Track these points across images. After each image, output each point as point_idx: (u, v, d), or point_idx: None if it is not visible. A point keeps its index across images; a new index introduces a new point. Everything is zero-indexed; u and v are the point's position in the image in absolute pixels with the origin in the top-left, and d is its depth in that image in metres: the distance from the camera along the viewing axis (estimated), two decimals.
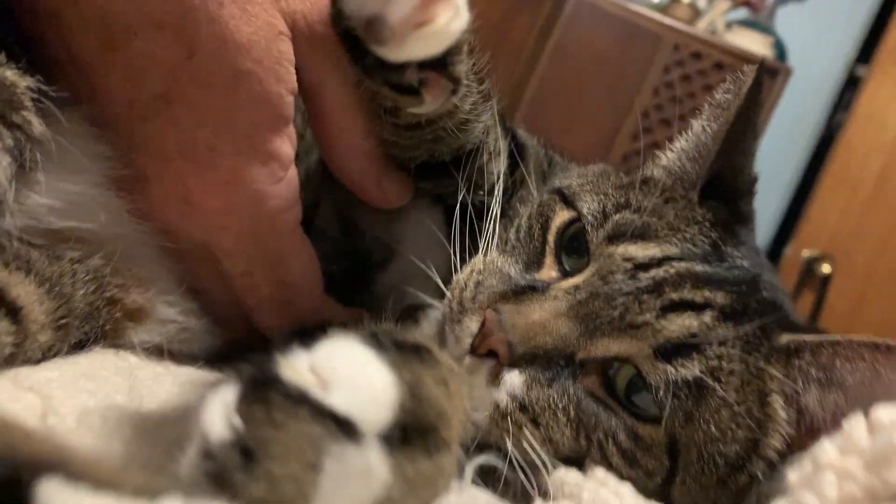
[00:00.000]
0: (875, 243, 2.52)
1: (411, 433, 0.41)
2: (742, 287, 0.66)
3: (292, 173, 0.62)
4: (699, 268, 0.65)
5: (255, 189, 0.58)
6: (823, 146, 2.66)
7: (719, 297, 0.64)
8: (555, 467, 0.61)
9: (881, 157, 2.56)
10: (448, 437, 0.44)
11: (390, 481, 0.38)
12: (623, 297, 0.63)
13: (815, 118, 2.67)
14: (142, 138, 0.55)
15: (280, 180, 0.60)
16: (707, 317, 0.63)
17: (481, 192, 0.73)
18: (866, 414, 0.48)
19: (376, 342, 0.43)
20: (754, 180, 0.77)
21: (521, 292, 0.65)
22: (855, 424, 0.47)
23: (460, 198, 0.71)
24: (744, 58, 1.88)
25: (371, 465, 0.38)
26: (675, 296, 0.63)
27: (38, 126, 0.47)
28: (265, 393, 0.36)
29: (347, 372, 0.40)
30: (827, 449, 0.47)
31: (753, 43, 2.26)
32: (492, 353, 0.63)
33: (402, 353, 0.44)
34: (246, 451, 0.34)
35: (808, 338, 0.63)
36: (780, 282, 0.76)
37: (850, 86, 2.66)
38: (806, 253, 2.56)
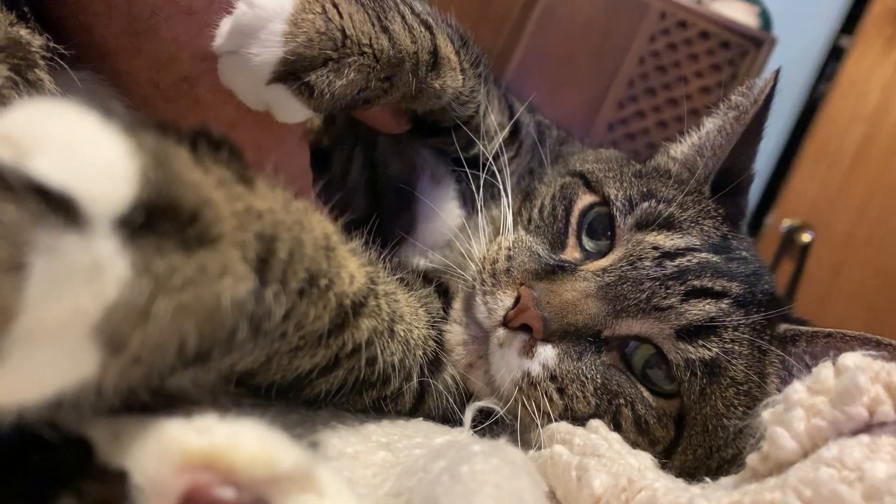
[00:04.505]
0: (854, 212, 2.57)
1: (160, 219, 0.31)
2: (750, 278, 0.72)
3: (304, 145, 0.67)
4: (716, 259, 0.71)
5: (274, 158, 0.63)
6: (806, 116, 2.69)
7: (734, 287, 0.70)
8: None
9: (862, 127, 2.59)
10: (217, 233, 0.34)
11: (130, 281, 0.29)
12: (650, 283, 0.68)
13: (799, 88, 2.70)
14: (166, 117, 0.56)
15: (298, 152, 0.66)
16: (724, 304, 0.68)
17: (478, 145, 0.80)
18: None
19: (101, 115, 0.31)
20: (752, 178, 0.84)
21: (552, 271, 0.70)
22: (823, 368, 0.51)
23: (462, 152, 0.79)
24: (729, 27, 1.89)
25: (102, 260, 0.28)
26: (697, 283, 0.69)
27: (49, 84, 0.48)
28: None
29: (59, 135, 0.28)
30: (798, 389, 0.50)
31: (739, 12, 2.27)
32: (524, 328, 0.67)
33: (146, 131, 0.34)
34: None
35: (805, 329, 0.69)
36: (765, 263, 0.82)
37: (834, 56, 2.68)
38: (786, 222, 2.61)
